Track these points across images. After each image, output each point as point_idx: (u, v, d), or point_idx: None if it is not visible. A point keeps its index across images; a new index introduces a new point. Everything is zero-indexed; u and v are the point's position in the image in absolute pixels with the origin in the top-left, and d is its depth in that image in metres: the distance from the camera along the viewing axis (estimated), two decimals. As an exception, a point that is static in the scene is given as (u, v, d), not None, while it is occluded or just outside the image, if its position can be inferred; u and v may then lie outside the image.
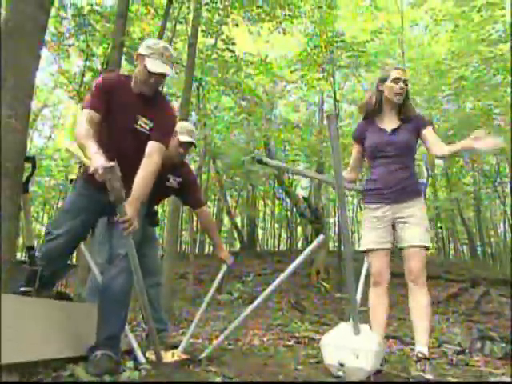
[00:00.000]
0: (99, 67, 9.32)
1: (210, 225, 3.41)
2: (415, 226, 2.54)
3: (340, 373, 2.25)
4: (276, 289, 2.60)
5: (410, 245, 2.53)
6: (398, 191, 2.60)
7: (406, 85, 2.69)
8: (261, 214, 23.14)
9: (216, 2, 8.66)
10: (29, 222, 2.29)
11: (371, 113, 2.78)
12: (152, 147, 2.27)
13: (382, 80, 2.72)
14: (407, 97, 2.72)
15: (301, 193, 17.30)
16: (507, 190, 15.80)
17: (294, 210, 15.61)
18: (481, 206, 17.75)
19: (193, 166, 10.29)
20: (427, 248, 2.56)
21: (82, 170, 2.33)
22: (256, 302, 2.65)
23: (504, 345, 3.50)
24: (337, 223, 14.70)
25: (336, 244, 12.76)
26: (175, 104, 11.68)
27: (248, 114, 10.45)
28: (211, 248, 20.19)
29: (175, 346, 2.84)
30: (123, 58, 7.29)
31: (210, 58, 9.55)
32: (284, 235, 23.24)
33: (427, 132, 2.66)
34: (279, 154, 13.91)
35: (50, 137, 19.59)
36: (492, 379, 2.56)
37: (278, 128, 11.17)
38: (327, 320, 5.63)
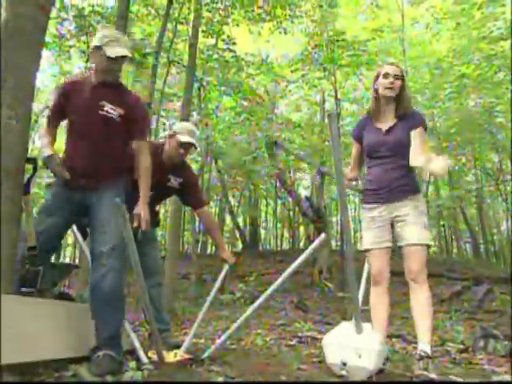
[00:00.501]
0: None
1: (212, 225, 3.41)
2: (413, 225, 2.54)
3: (343, 372, 2.25)
4: (278, 288, 2.60)
5: (409, 243, 2.53)
6: (392, 191, 2.60)
7: (399, 79, 2.64)
8: (263, 214, 23.14)
9: (216, 2, 8.67)
10: (30, 223, 2.29)
11: (371, 111, 2.78)
12: (138, 147, 2.49)
13: (376, 77, 2.73)
14: (402, 93, 2.66)
15: (303, 192, 17.31)
16: (509, 187, 15.76)
17: (296, 209, 15.59)
18: (483, 204, 17.69)
19: (194, 166, 10.31)
20: (427, 246, 2.56)
21: None
22: (258, 302, 2.65)
23: (507, 343, 3.49)
24: (339, 222, 14.69)
25: (338, 243, 12.76)
26: (177, 104, 11.72)
27: (249, 114, 10.45)
28: (213, 248, 20.20)
29: (177, 346, 2.84)
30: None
31: (211, 59, 9.55)
32: (286, 235, 23.23)
33: (414, 134, 2.61)
34: (281, 154, 13.89)
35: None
36: (495, 378, 2.55)
37: (279, 127, 11.15)
38: (330, 319, 5.62)
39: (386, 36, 11.68)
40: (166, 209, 15.20)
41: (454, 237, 20.75)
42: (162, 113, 12.00)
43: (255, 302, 2.70)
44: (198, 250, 14.80)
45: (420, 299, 2.50)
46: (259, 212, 21.23)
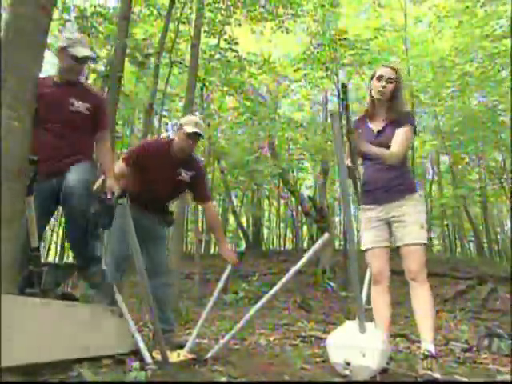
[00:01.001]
0: (103, 69, 9.35)
1: (216, 222, 3.43)
2: (410, 225, 2.54)
3: (346, 371, 2.25)
4: (282, 288, 2.60)
5: (406, 243, 2.54)
6: (386, 191, 2.61)
7: (391, 83, 2.64)
8: (266, 214, 23.13)
9: (218, 2, 8.67)
10: (33, 224, 2.29)
11: (366, 111, 2.79)
12: (102, 135, 2.84)
13: (371, 78, 2.74)
14: (394, 96, 2.66)
15: (306, 192, 17.30)
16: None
17: (299, 209, 15.59)
18: (487, 202, 17.64)
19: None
20: (426, 245, 2.57)
21: None
22: (261, 302, 2.64)
23: (511, 342, 3.48)
24: (342, 222, 14.67)
25: (342, 243, 12.74)
26: (179, 104, 11.73)
27: (252, 114, 10.44)
28: (217, 248, 20.20)
29: (181, 346, 2.84)
30: (126, 59, 7.30)
31: (213, 59, 9.55)
32: (289, 234, 23.22)
33: (397, 131, 2.62)
34: (283, 154, 13.89)
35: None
36: (500, 377, 2.54)
37: (281, 127, 11.14)
38: (333, 319, 5.62)
39: (388, 35, 11.66)
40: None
41: (457, 236, 20.71)
42: (165, 113, 12.02)
43: (258, 301, 2.70)
44: (202, 250, 14.80)
45: (421, 298, 2.50)
46: (262, 212, 21.23)
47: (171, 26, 8.68)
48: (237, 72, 10.09)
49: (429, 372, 2.24)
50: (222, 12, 9.08)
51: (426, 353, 2.35)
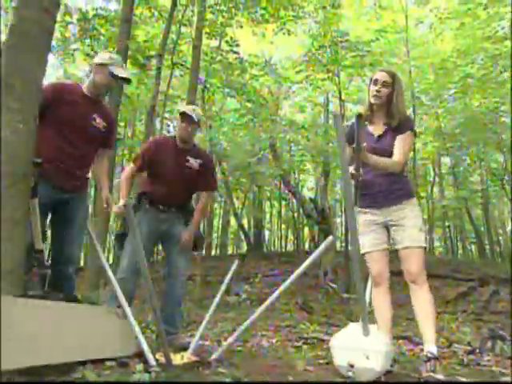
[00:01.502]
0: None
1: (204, 211, 3.49)
2: (409, 228, 2.56)
3: (350, 374, 2.24)
4: (285, 290, 2.60)
5: (406, 246, 2.55)
6: (385, 196, 2.63)
7: (387, 87, 2.62)
8: (267, 216, 23.13)
9: (220, 4, 8.69)
10: (37, 227, 2.30)
11: (365, 115, 2.78)
12: (104, 152, 3.04)
13: (369, 81, 2.75)
14: (390, 101, 2.65)
15: (307, 193, 17.28)
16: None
17: (301, 210, 15.57)
18: (489, 204, 17.63)
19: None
20: (424, 248, 2.58)
21: None
22: (265, 304, 2.64)
23: (513, 344, 3.47)
24: (344, 223, 14.66)
25: (343, 244, 12.72)
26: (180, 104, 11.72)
27: (253, 116, 10.45)
28: (218, 250, 20.21)
29: (185, 348, 2.84)
30: (128, 61, 7.32)
31: (215, 60, 9.57)
32: (291, 236, 23.22)
33: (398, 138, 2.62)
34: (285, 155, 13.90)
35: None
36: (503, 379, 2.54)
37: (283, 129, 11.15)
38: (335, 321, 5.60)
39: (389, 36, 11.66)
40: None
41: (459, 237, 20.68)
42: (166, 115, 12.04)
43: (261, 303, 2.70)
44: (203, 252, 14.79)
45: (421, 300, 2.51)
46: (264, 213, 21.23)
47: (173, 27, 8.70)
48: (238, 74, 10.10)
49: (432, 374, 2.25)
50: (224, 14, 9.10)
51: (429, 355, 2.35)
